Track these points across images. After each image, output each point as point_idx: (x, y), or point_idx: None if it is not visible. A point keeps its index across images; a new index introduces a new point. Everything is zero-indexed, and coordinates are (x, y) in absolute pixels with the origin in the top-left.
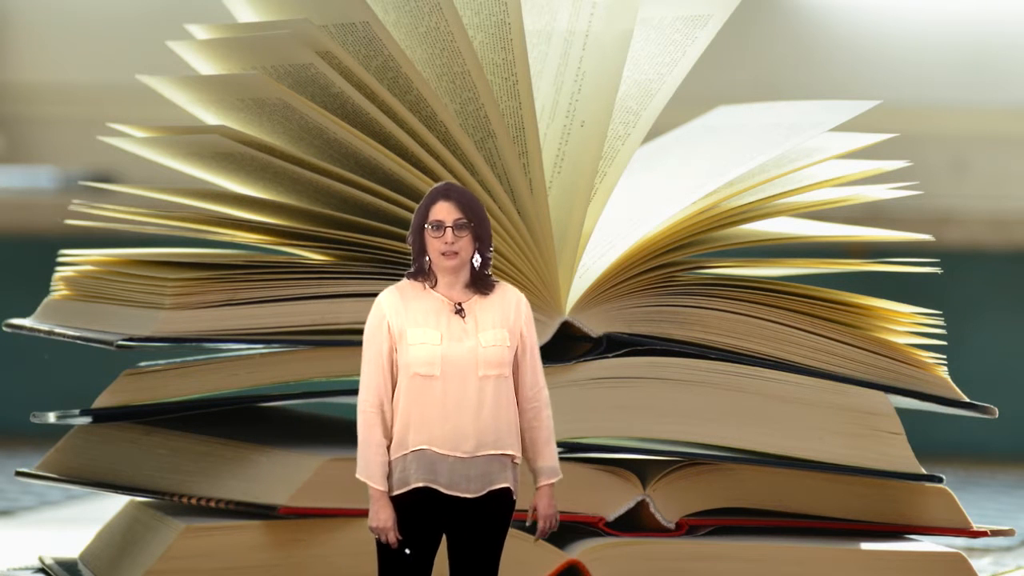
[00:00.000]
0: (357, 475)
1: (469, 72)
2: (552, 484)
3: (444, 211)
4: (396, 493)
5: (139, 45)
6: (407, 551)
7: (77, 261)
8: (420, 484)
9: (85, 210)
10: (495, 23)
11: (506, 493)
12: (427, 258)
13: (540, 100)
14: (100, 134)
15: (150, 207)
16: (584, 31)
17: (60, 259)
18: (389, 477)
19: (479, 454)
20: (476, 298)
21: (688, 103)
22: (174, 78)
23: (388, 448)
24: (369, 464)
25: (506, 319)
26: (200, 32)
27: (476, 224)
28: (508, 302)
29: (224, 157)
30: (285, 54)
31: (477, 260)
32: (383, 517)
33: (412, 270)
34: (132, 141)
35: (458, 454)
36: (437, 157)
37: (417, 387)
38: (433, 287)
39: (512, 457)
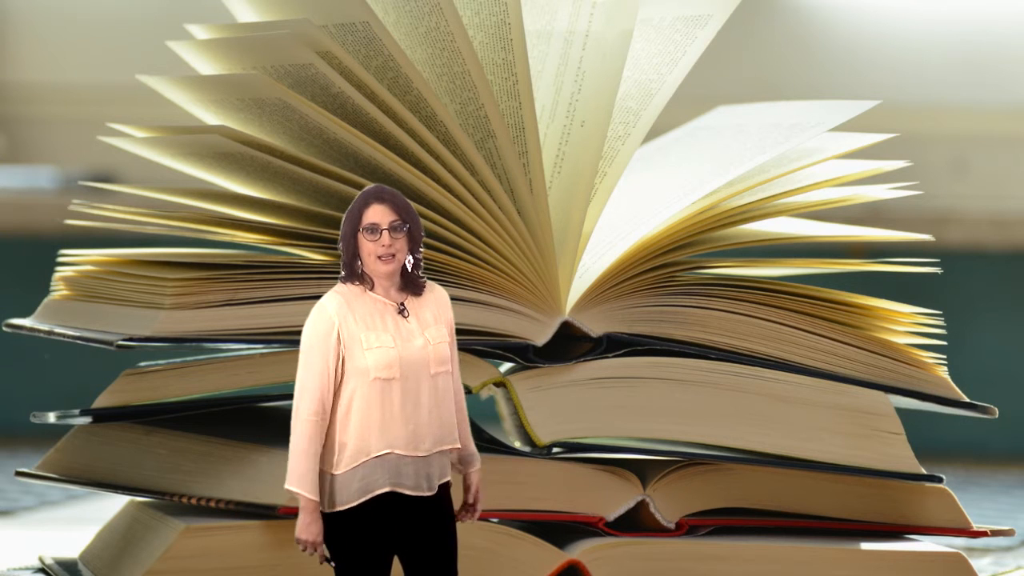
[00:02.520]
0: (287, 485)
1: (469, 72)
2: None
3: (379, 214)
4: (360, 501)
5: (139, 45)
6: (332, 563)
7: (77, 261)
8: (387, 489)
9: (85, 210)
10: (495, 23)
11: (449, 484)
12: (359, 262)
13: (540, 100)
14: (100, 134)
15: (150, 207)
16: (584, 31)
17: (60, 259)
18: (348, 485)
19: (434, 451)
20: (411, 297)
21: (688, 103)
22: (174, 78)
23: (342, 454)
24: (305, 474)
25: (440, 315)
26: (200, 32)
27: (411, 226)
28: (440, 298)
29: (224, 157)
30: (285, 54)
31: (409, 261)
32: (315, 531)
33: (344, 274)
34: (132, 141)
35: (419, 454)
36: (437, 157)
37: (377, 392)
38: (371, 290)
39: (454, 449)
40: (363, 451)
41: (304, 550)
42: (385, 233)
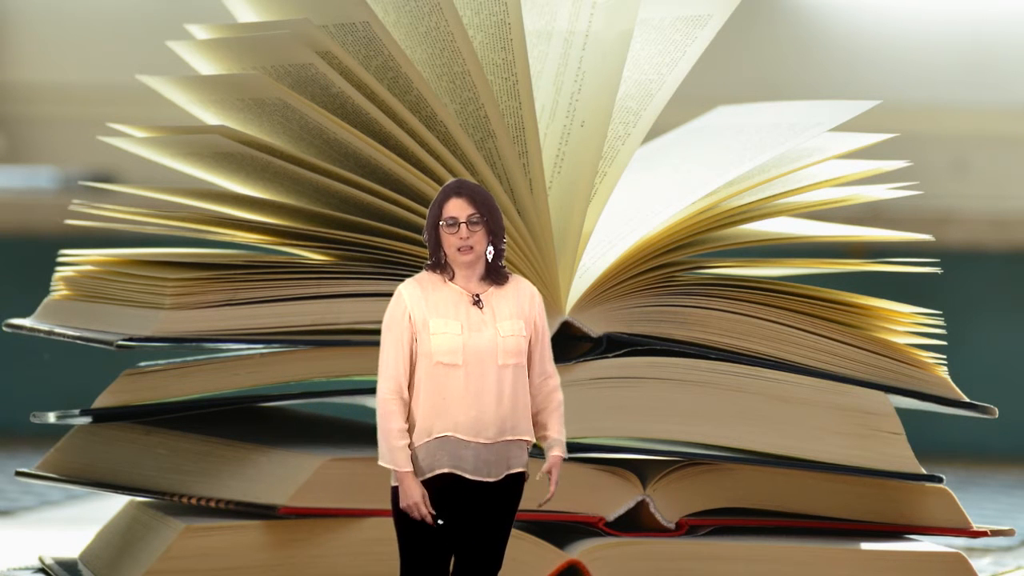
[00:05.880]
0: (380, 462)
1: (469, 72)
2: (563, 458)
3: (457, 208)
4: (422, 478)
5: (139, 45)
6: (440, 522)
7: (77, 261)
8: (446, 470)
9: (85, 210)
10: (495, 23)
11: (521, 476)
12: (443, 252)
13: (540, 100)
14: (100, 134)
15: (150, 207)
16: (584, 31)
17: (60, 259)
18: (414, 463)
19: (500, 440)
20: (492, 289)
21: (688, 103)
22: (174, 78)
23: (410, 433)
24: (392, 450)
25: (521, 310)
26: (200, 32)
27: (489, 218)
28: (523, 293)
29: (224, 157)
30: (285, 54)
31: (491, 252)
32: (414, 494)
33: (430, 263)
34: (132, 141)
35: (481, 440)
36: (437, 157)
37: (440, 376)
38: (451, 279)
39: (528, 442)
40: (426, 431)
41: (412, 516)
42: (463, 226)
